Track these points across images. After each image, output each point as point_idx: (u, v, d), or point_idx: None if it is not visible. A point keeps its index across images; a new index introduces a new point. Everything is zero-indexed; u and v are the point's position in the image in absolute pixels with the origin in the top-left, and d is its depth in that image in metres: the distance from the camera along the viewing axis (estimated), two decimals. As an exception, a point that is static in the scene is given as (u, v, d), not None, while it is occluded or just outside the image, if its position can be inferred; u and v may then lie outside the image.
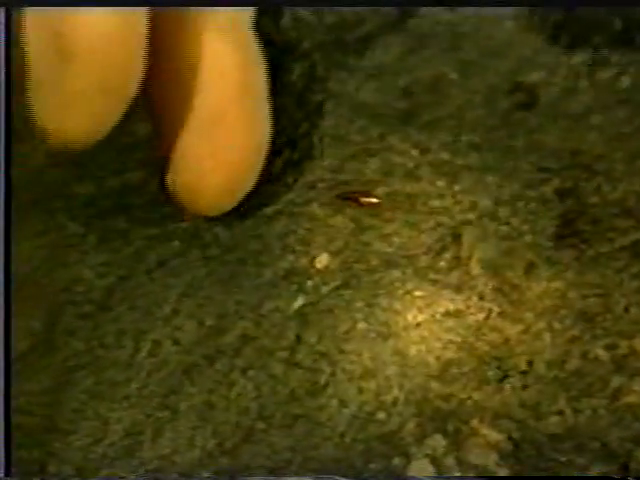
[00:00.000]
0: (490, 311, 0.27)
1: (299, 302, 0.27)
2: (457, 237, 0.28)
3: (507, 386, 0.26)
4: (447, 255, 0.27)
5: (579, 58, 0.29)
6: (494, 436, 0.25)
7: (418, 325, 0.27)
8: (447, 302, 0.27)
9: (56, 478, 0.26)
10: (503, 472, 0.25)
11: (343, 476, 0.25)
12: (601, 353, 0.26)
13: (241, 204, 0.28)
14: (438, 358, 0.26)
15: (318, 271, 0.28)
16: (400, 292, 0.27)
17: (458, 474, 0.25)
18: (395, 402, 0.26)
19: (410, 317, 0.27)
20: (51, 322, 0.28)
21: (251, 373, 0.27)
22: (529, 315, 0.26)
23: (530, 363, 0.26)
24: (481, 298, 0.27)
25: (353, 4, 0.31)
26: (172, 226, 0.29)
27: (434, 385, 0.26)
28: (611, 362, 0.26)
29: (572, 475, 0.25)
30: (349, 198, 0.28)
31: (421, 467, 0.25)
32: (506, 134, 0.29)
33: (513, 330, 0.26)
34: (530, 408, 0.25)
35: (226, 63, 0.25)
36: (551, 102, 0.29)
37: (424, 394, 0.26)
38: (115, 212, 0.29)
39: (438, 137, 0.29)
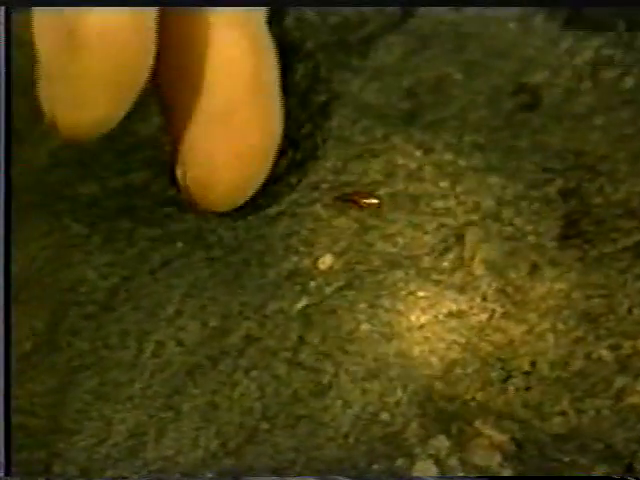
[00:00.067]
0: (493, 312, 0.27)
1: (302, 303, 0.27)
2: (460, 238, 0.28)
3: (510, 387, 0.26)
4: (450, 256, 0.27)
5: (582, 59, 0.29)
6: (498, 437, 0.25)
7: (421, 326, 0.27)
8: (450, 303, 0.27)
9: (60, 479, 0.26)
10: (506, 473, 0.25)
11: (346, 477, 0.25)
12: (605, 354, 0.26)
13: (244, 204, 0.28)
14: (441, 359, 0.26)
15: (321, 272, 0.28)
16: (403, 293, 0.27)
17: (462, 475, 0.25)
18: (398, 403, 0.26)
19: (413, 318, 0.27)
20: (55, 322, 0.28)
21: (255, 374, 0.27)
22: (532, 316, 0.26)
23: (533, 364, 0.26)
24: (484, 299, 0.27)
25: (358, 4, 0.31)
26: (176, 227, 0.29)
27: (437, 386, 0.26)
28: (615, 363, 0.26)
29: (576, 475, 0.25)
30: (349, 200, 0.28)
31: (425, 468, 0.25)
32: (510, 135, 0.29)
33: (516, 331, 0.26)
34: (533, 409, 0.25)
35: (238, 57, 0.25)
36: (555, 103, 0.29)
37: (427, 395, 0.26)
38: (119, 213, 0.29)
39: (442, 138, 0.29)
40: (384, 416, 0.26)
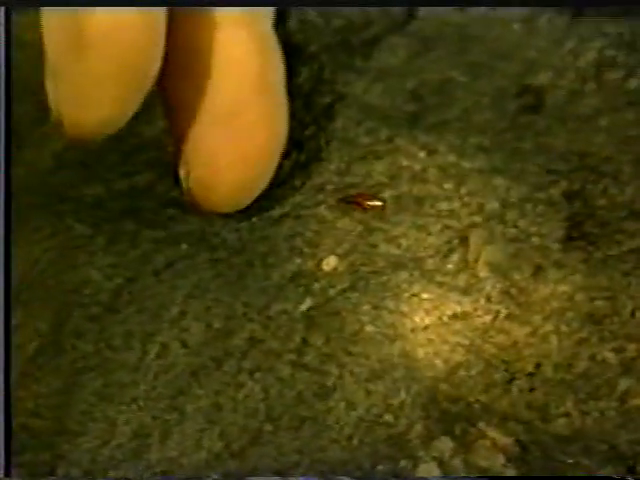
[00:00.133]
0: (497, 313, 0.27)
1: (306, 304, 0.27)
2: (464, 240, 0.28)
3: (514, 388, 0.26)
4: (454, 258, 0.27)
5: (586, 60, 0.29)
6: (501, 438, 0.25)
7: (425, 327, 0.27)
8: (454, 304, 0.27)
9: (64, 480, 0.26)
10: (510, 474, 0.25)
11: (350, 478, 0.25)
12: (609, 356, 0.26)
13: (248, 206, 0.28)
14: (445, 360, 0.26)
15: (325, 273, 0.28)
16: (407, 294, 0.27)
17: (465, 476, 0.25)
18: (402, 404, 0.26)
19: (417, 319, 0.27)
20: (59, 324, 0.28)
21: (258, 375, 0.27)
22: (536, 318, 0.26)
23: (537, 365, 0.26)
24: (488, 300, 0.27)
25: (361, 4, 0.31)
26: (180, 228, 0.29)
27: (441, 387, 0.26)
28: (619, 365, 0.26)
29: (579, 476, 0.25)
30: (353, 202, 0.28)
31: (428, 469, 0.25)
32: (514, 136, 0.29)
33: (520, 332, 0.26)
34: (537, 410, 0.25)
35: (244, 57, 0.25)
36: (559, 104, 0.29)
37: (431, 396, 0.26)
38: (123, 214, 0.30)
39: (446, 139, 0.29)
40: (388, 417, 0.26)
